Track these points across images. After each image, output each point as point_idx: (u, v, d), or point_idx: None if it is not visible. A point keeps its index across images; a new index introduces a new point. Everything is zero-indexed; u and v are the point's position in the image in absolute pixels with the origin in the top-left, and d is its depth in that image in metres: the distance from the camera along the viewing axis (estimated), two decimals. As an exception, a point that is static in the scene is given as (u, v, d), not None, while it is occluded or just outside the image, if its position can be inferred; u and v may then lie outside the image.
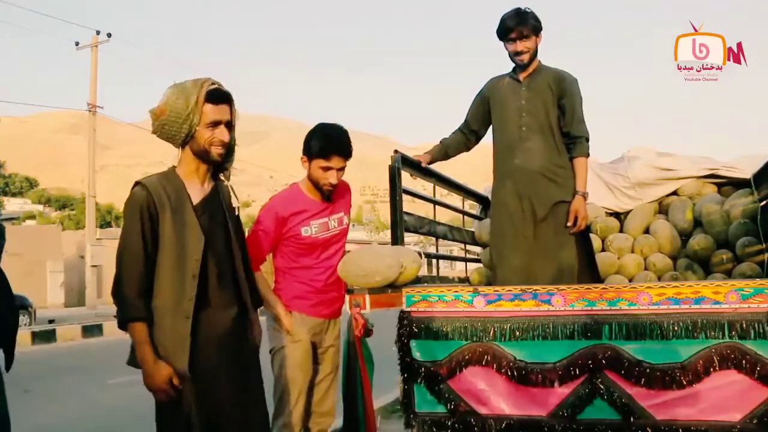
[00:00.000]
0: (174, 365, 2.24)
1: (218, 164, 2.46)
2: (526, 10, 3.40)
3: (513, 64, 3.54)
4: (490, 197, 3.84)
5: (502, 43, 3.49)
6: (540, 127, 3.45)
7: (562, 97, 3.45)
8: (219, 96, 2.36)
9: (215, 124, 2.36)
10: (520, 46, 3.39)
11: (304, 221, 3.02)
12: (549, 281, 3.22)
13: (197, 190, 2.42)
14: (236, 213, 2.57)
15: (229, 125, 2.41)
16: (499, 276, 3.50)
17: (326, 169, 2.97)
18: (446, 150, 3.77)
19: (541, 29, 3.43)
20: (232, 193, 2.57)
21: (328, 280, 3.06)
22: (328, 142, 2.97)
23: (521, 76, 3.50)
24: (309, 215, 3.03)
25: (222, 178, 2.54)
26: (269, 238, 3.00)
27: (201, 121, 2.33)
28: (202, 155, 2.39)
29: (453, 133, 3.80)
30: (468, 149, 3.80)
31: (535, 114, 3.44)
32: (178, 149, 2.44)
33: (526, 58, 3.41)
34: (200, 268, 2.31)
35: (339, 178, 3.03)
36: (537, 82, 3.47)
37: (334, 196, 3.12)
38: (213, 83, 2.38)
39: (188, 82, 2.37)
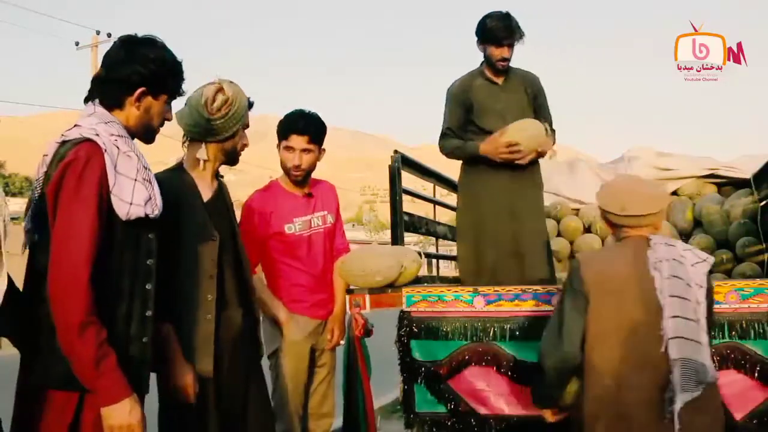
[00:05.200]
0: (199, 367, 2.23)
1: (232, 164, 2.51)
2: (512, 17, 3.37)
3: (480, 65, 3.49)
4: None
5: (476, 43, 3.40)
6: None
7: (537, 97, 3.52)
8: (251, 103, 2.45)
9: (245, 128, 2.44)
10: (508, 53, 3.38)
11: (286, 217, 2.98)
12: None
13: (206, 188, 2.41)
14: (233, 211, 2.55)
15: None
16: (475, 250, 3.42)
17: (288, 149, 2.95)
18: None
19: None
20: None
21: (317, 280, 3.05)
22: (286, 122, 2.98)
23: (497, 79, 3.45)
24: (289, 210, 2.99)
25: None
26: (253, 237, 2.91)
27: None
28: (233, 155, 2.44)
29: (453, 138, 3.51)
30: None
31: (515, 117, 3.41)
32: (185, 144, 2.43)
33: (507, 64, 3.41)
34: (218, 268, 2.31)
35: (307, 162, 2.95)
36: (512, 85, 3.48)
37: (317, 194, 3.09)
38: None
39: (234, 82, 2.40)
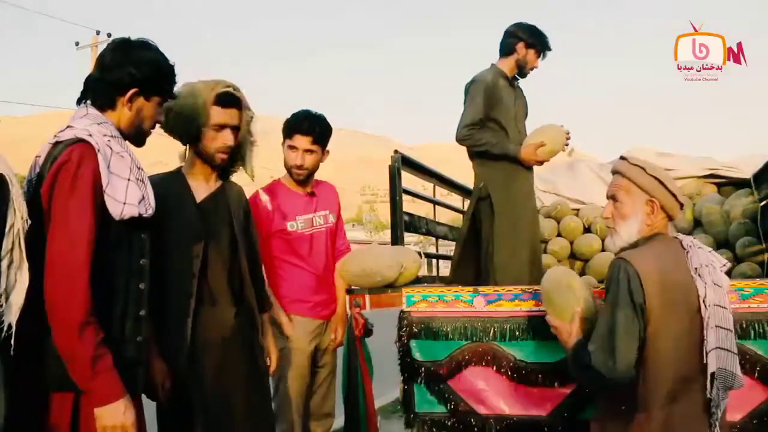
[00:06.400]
0: (174, 364, 2.24)
1: (222, 166, 2.46)
2: None
3: (492, 66, 3.62)
4: None
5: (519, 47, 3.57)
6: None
7: (524, 106, 3.77)
8: (227, 100, 2.38)
9: (221, 128, 2.37)
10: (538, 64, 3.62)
11: (289, 215, 3.01)
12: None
13: (202, 189, 2.42)
14: (242, 212, 2.55)
15: (236, 129, 2.42)
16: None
17: (292, 149, 3.00)
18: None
19: None
20: (241, 194, 2.57)
21: (319, 280, 3.05)
22: (291, 121, 3.03)
23: (515, 83, 3.68)
24: (292, 208, 3.02)
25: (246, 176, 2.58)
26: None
27: (207, 123, 2.35)
28: (205, 157, 2.41)
29: (484, 131, 3.48)
30: None
31: (523, 120, 3.73)
32: (185, 147, 2.46)
33: None
34: (202, 267, 2.31)
35: (309, 162, 3.01)
36: (518, 91, 3.71)
37: (320, 193, 3.12)
38: (226, 86, 2.40)
39: (199, 83, 2.39)
